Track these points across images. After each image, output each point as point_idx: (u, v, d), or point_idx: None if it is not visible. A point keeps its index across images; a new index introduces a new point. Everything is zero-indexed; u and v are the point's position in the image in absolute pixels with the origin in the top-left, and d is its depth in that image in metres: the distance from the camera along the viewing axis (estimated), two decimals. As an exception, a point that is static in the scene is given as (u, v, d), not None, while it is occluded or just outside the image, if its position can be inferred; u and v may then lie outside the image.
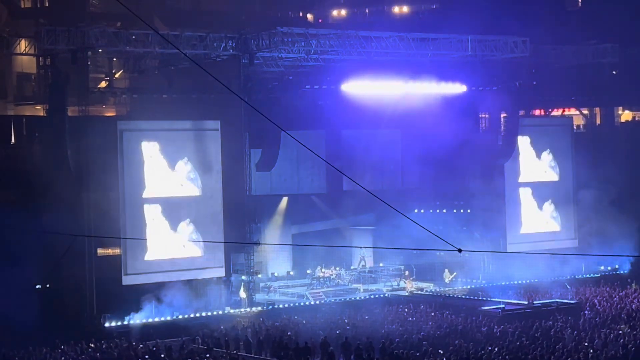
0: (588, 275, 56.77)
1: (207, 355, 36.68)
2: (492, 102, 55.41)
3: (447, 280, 54.28)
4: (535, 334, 38.26)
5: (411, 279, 53.21)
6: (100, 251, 46.12)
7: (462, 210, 57.92)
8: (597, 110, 62.83)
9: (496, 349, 34.64)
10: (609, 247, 53.57)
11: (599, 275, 57.04)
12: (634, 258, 55.38)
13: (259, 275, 52.65)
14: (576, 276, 55.98)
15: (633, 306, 44.97)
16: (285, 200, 56.82)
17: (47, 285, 44.68)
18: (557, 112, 63.06)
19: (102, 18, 49.35)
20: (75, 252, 42.69)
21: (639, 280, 53.83)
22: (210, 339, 40.96)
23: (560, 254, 54.03)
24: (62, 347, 38.51)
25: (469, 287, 53.45)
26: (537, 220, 58.82)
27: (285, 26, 47.58)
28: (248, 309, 47.63)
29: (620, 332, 37.91)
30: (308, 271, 55.39)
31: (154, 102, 49.94)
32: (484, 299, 48.63)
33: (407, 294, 51.53)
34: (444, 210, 58.16)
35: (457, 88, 53.14)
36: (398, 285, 53.76)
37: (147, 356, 36.29)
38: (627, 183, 58.19)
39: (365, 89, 50.82)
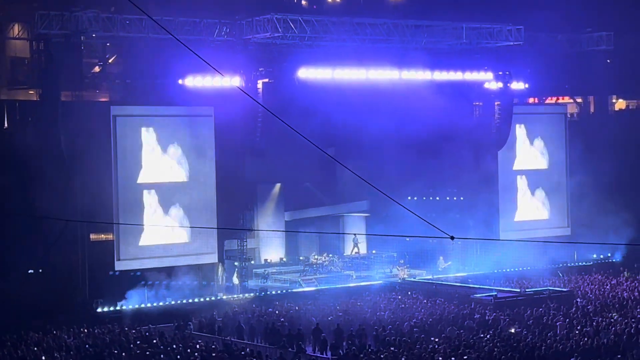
0: (580, 264, 56.93)
1: (200, 341, 36.72)
2: (486, 89, 55.44)
3: (440, 267, 54.39)
4: (528, 322, 38.35)
5: (405, 267, 53.28)
6: (92, 236, 46.13)
7: (455, 198, 58.00)
8: (591, 98, 62.84)
9: (488, 336, 34.74)
10: (601, 236, 53.66)
11: (591, 263, 57.23)
12: (626, 246, 55.54)
13: (252, 262, 52.71)
14: (568, 264, 56.14)
15: (625, 294, 45.10)
16: (278, 186, 56.81)
17: (40, 270, 44.64)
18: (551, 100, 63.07)
19: (95, 3, 49.05)
20: (67, 237, 42.77)
21: (631, 268, 54.04)
22: (202, 324, 41.01)
23: (552, 242, 54.15)
24: (55, 332, 38.50)
25: (461, 274, 53.56)
26: (530, 208, 58.91)
27: (280, 12, 47.43)
28: (241, 295, 47.66)
29: (612, 320, 38.01)
30: (301, 258, 55.42)
31: (147, 87, 49.81)
32: (476, 286, 48.72)
33: (399, 281, 51.60)
34: (437, 198, 58.22)
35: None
36: (391, 272, 53.82)
37: (139, 341, 36.28)
38: (621, 171, 58.24)
39: (359, 75, 50.86)
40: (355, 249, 57.19)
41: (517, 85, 56.66)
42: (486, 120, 56.60)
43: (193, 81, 47.59)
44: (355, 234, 56.31)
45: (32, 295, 42.04)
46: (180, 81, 47.59)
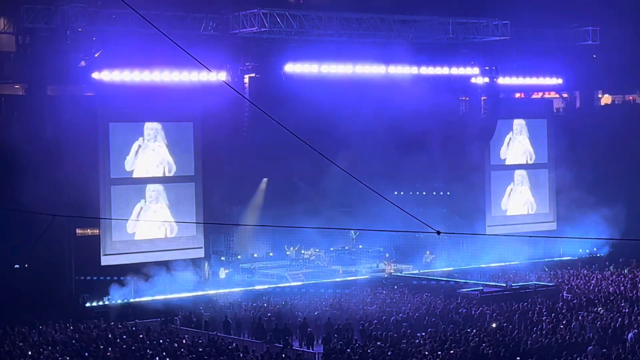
0: (566, 258, 57.07)
1: (186, 336, 36.70)
2: (473, 84, 55.54)
3: (426, 261, 54.55)
4: (513, 317, 38.45)
5: (391, 261, 53.36)
6: (79, 231, 46.08)
7: (441, 193, 58.08)
8: (578, 93, 62.99)
9: (474, 331, 34.81)
10: (587, 230, 53.88)
11: (577, 258, 57.34)
12: (612, 241, 55.69)
13: (239, 257, 52.66)
14: (554, 259, 56.26)
15: (610, 289, 45.27)
16: (265, 181, 56.76)
17: (26, 265, 44.51)
18: (537, 95, 63.19)
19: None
20: (53, 231, 42.59)
21: (617, 263, 54.23)
22: (189, 319, 40.98)
23: (538, 237, 54.26)
24: (41, 327, 38.40)
25: (447, 269, 53.66)
26: (516, 203, 59.05)
27: (267, 6, 47.39)
28: (227, 290, 47.63)
29: (598, 314, 38.13)
30: (288, 252, 55.38)
31: (133, 81, 49.62)
32: (463, 281, 48.84)
33: (386, 276, 51.67)
34: (424, 193, 58.28)
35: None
36: (377, 267, 53.86)
37: (125, 336, 36.23)
38: (607, 166, 58.44)
39: (346, 70, 50.88)
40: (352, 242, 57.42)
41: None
42: (472, 115, 56.67)
43: (180, 76, 47.48)
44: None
45: (18, 290, 41.97)
46: (166, 75, 47.40)
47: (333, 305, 42.79)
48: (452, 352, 31.52)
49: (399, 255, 55.26)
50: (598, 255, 57.79)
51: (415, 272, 52.91)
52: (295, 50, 49.98)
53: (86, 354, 33.31)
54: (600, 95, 64.76)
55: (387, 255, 54.37)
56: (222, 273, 49.31)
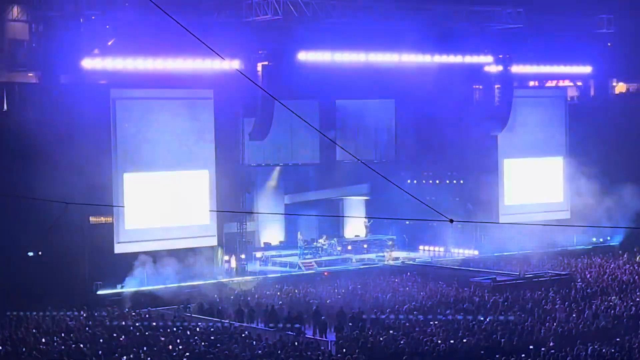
0: (580, 247, 56.90)
1: (200, 324, 36.75)
2: (486, 73, 55.36)
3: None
4: (526, 305, 38.37)
5: (393, 249, 53.54)
6: (92, 219, 46.10)
7: (454, 181, 57.98)
8: (592, 82, 62.70)
9: (487, 320, 34.76)
10: (601, 219, 53.70)
11: (590, 246, 57.17)
12: (625, 230, 55.55)
13: (251, 244, 52.71)
14: (568, 247, 56.10)
15: (624, 277, 45.14)
16: (278, 169, 56.75)
17: (39, 253, 44.63)
18: (551, 84, 62.94)
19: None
20: (67, 219, 42.70)
21: (631, 252, 54.06)
22: (202, 307, 41.04)
23: (552, 225, 54.10)
24: (55, 314, 38.51)
25: (460, 257, 53.62)
26: (530, 191, 58.81)
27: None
28: (240, 278, 47.68)
29: (611, 303, 38.03)
30: (299, 237, 55.31)
31: (147, 69, 49.64)
32: (476, 269, 48.76)
33: (398, 263, 51.63)
34: (437, 181, 58.20)
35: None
36: (384, 255, 53.72)
37: (138, 324, 36.32)
38: (621, 154, 58.19)
39: (359, 57, 50.74)
40: (367, 231, 57.43)
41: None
42: (486, 103, 56.48)
43: (193, 63, 47.43)
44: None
45: (32, 278, 42.10)
46: (179, 63, 47.37)
47: (346, 293, 42.79)
48: (465, 340, 31.50)
49: (412, 244, 55.35)
50: (612, 243, 57.64)
51: (427, 260, 52.94)
52: (309, 38, 49.81)
53: (100, 340, 33.43)
54: (614, 84, 64.45)
55: (389, 242, 54.40)
56: (235, 261, 49.32)
